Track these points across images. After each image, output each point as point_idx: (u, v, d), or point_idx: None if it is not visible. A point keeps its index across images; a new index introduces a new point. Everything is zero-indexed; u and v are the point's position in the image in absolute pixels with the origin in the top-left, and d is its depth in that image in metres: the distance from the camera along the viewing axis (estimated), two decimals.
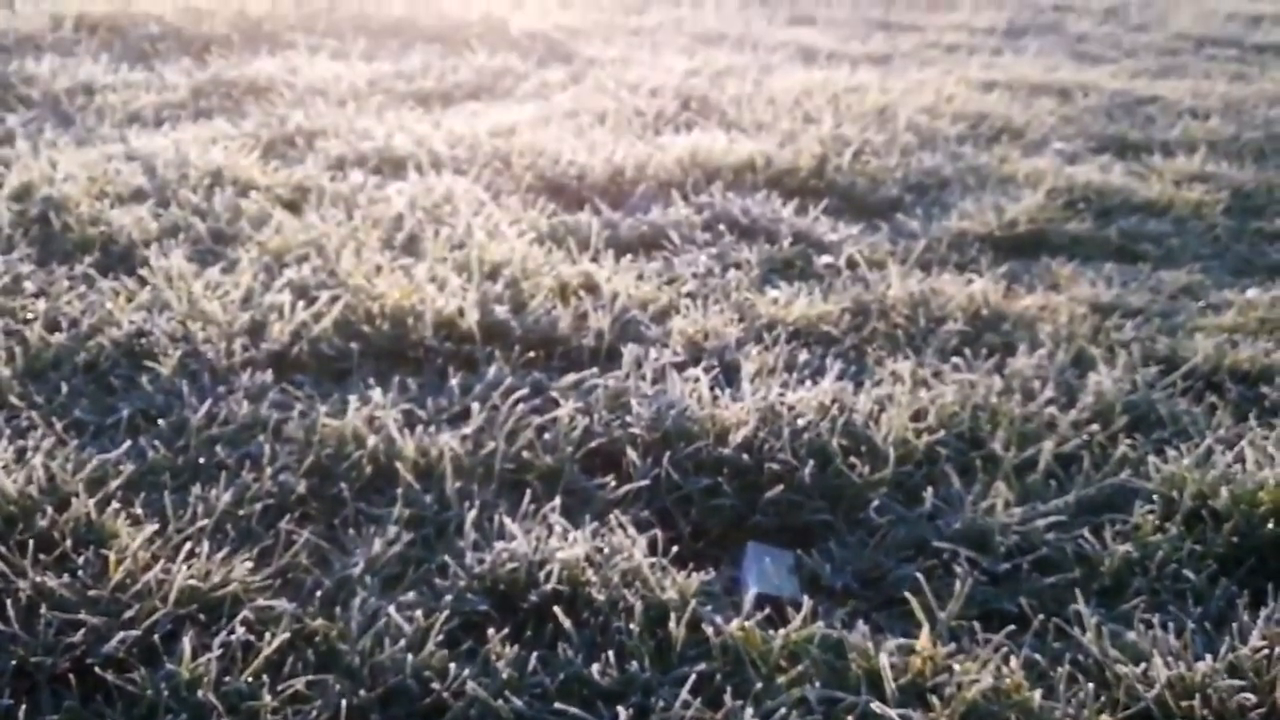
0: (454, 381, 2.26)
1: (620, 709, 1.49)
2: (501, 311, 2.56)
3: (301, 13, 6.07)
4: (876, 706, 1.52)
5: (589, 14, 6.81)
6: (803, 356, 2.49)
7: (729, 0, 7.64)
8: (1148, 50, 7.02)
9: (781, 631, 1.64)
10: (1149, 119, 5.13)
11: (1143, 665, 1.60)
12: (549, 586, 1.69)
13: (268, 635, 1.56)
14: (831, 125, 4.35)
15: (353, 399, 2.11)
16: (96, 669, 1.50)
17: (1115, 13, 8.38)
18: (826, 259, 3.13)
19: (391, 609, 1.62)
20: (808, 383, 2.33)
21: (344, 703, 1.47)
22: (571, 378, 2.30)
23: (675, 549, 1.83)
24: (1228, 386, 2.51)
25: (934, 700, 1.55)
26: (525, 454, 2.03)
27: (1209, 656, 1.61)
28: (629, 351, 2.38)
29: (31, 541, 1.70)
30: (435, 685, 1.51)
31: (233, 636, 1.55)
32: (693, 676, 1.54)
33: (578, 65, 5.47)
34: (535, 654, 1.57)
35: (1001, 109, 4.96)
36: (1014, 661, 1.60)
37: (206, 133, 3.94)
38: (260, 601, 1.63)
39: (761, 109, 4.65)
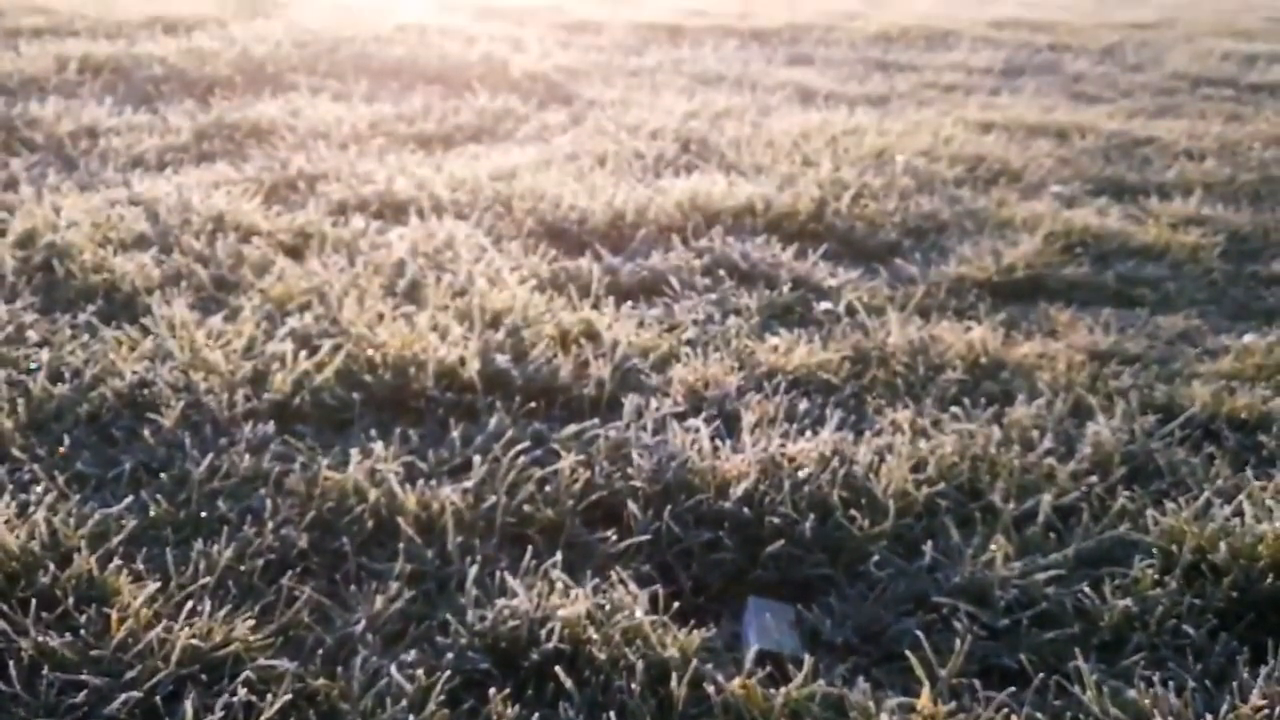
0: (455, 433, 2.27)
1: None
2: (503, 361, 2.57)
3: (303, 54, 6.12)
4: None
5: (589, 55, 6.86)
6: (802, 405, 2.50)
7: (728, 41, 7.71)
8: (1144, 90, 7.07)
9: (783, 690, 1.64)
10: (1145, 160, 5.17)
11: None
12: (550, 645, 1.69)
13: (270, 696, 1.56)
14: (830, 168, 4.38)
15: (354, 452, 2.12)
16: None
17: (1111, 52, 8.45)
18: (825, 305, 3.14)
19: (393, 668, 1.63)
20: (808, 433, 2.34)
21: None
22: (573, 428, 2.31)
23: (676, 604, 1.84)
24: (1225, 435, 2.52)
25: None
26: (527, 507, 2.04)
27: (1209, 716, 1.61)
28: (630, 401, 2.40)
29: (34, 599, 1.70)
30: None
31: (235, 698, 1.55)
32: None
33: (578, 107, 5.51)
34: (537, 714, 1.58)
35: (999, 151, 5.00)
36: None
37: (209, 176, 3.97)
38: (262, 661, 1.64)
39: (760, 151, 4.68)
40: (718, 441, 2.25)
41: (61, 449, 2.17)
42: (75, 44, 5.93)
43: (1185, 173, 4.92)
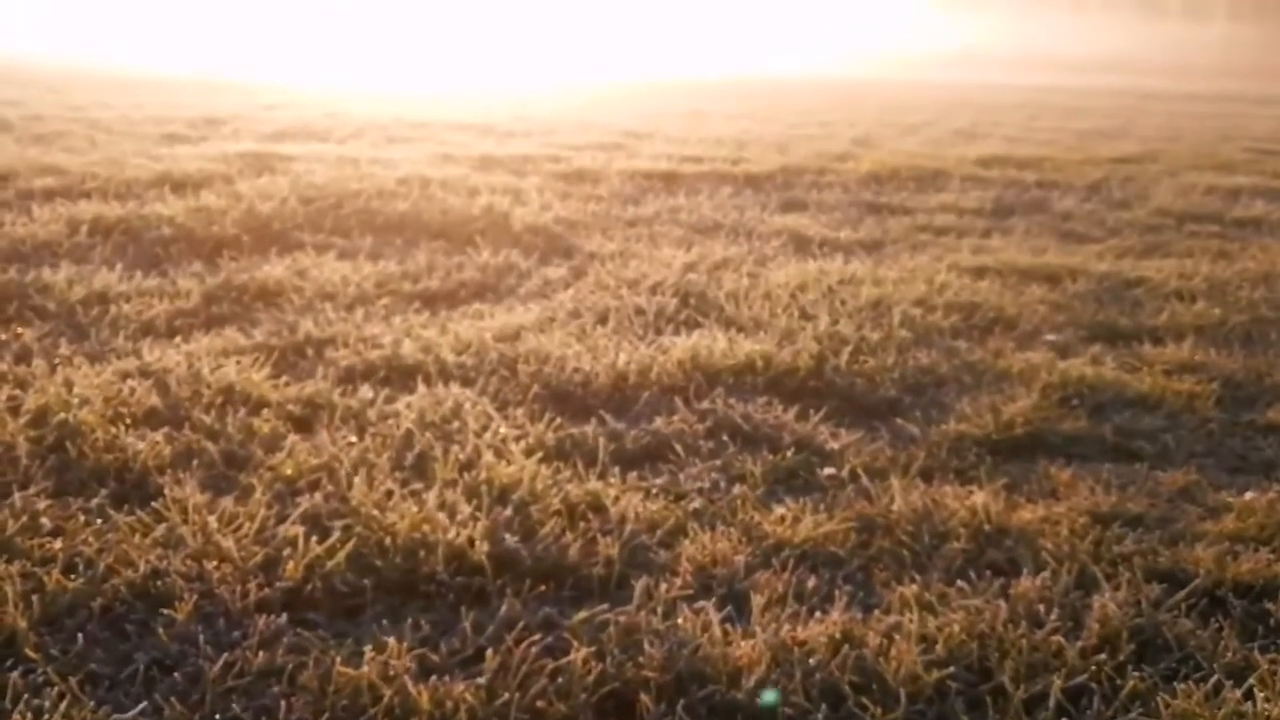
0: (467, 622, 2.28)
1: None
2: (511, 540, 2.60)
3: (309, 210, 6.27)
4: None
5: (588, 206, 7.03)
6: (811, 582, 2.52)
7: (722, 187, 7.90)
8: (1131, 228, 7.24)
9: None
10: (1137, 303, 5.27)
11: None
12: None
13: None
14: (828, 322, 4.47)
15: (367, 648, 2.13)
16: None
17: (1098, 189, 8.66)
18: (829, 470, 3.18)
19: None
20: (817, 612, 2.35)
21: None
22: (583, 613, 2.32)
23: None
24: (1232, 603, 2.53)
25: None
26: (540, 703, 2.04)
27: None
28: (639, 584, 2.41)
29: None
30: None
31: None
32: None
33: (578, 260, 5.63)
34: None
35: (993, 298, 5.10)
36: None
37: (219, 344, 4.04)
38: None
39: (758, 304, 4.77)
40: (728, 626, 2.26)
41: (75, 646, 2.18)
42: (87, 205, 6.07)
43: (1176, 315, 5.01)
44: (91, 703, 2.01)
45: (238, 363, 3.77)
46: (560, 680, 2.10)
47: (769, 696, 2.06)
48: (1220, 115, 18.20)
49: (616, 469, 3.07)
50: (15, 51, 25.02)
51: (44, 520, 2.65)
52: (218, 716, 1.99)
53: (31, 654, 2.14)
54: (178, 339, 4.12)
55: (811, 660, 2.16)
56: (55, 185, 6.67)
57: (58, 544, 2.53)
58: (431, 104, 14.32)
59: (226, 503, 2.74)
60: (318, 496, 2.79)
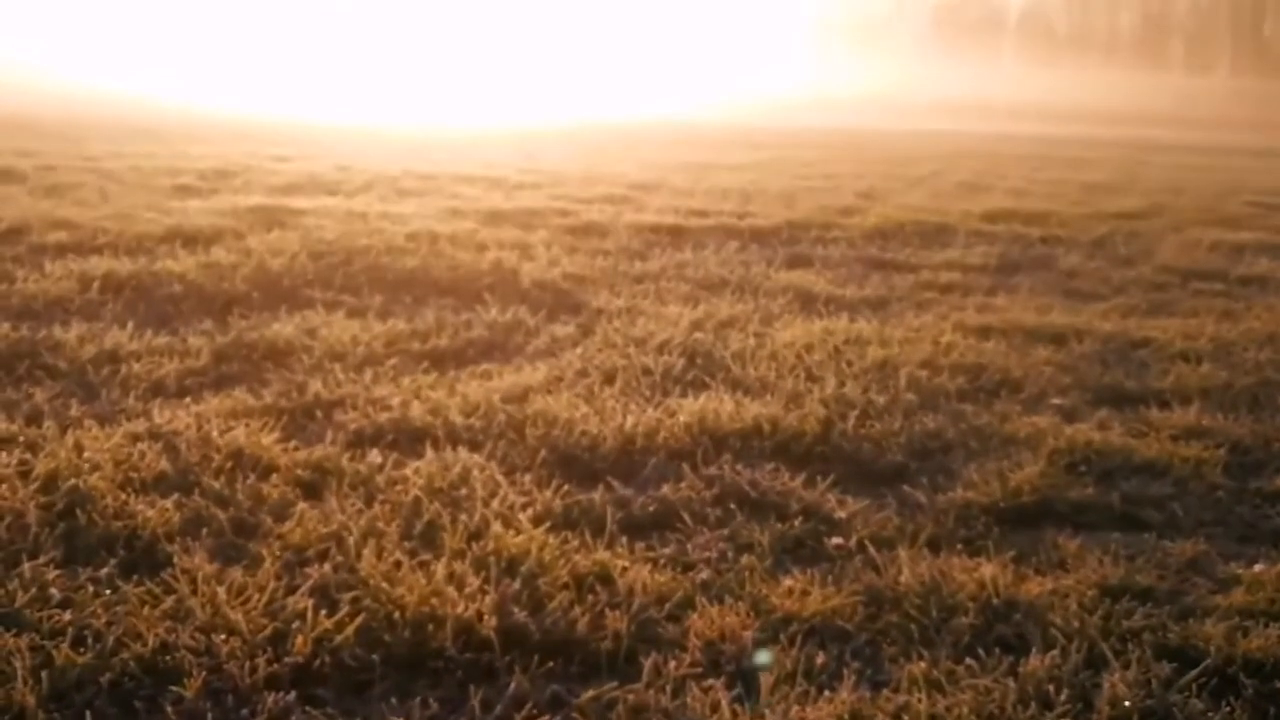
0: (475, 700, 2.28)
1: None
2: (520, 614, 2.60)
3: (319, 266, 6.31)
4: None
5: (595, 261, 7.07)
6: (819, 658, 2.52)
7: (729, 242, 7.94)
8: (1136, 286, 7.26)
9: None
10: (1143, 365, 5.28)
11: None
12: None
13: None
14: (835, 384, 4.48)
15: None
16: None
17: (1102, 245, 8.69)
18: (837, 539, 3.18)
19: None
20: (826, 691, 2.35)
21: None
22: (591, 691, 2.32)
23: None
24: (1243, 682, 2.52)
25: None
26: None
27: None
28: (648, 661, 2.41)
29: None
30: None
31: None
32: None
33: (586, 317, 5.65)
34: None
35: (999, 360, 5.11)
36: None
37: (229, 404, 4.06)
38: None
39: (765, 365, 4.79)
40: (737, 706, 2.26)
41: None
42: (98, 261, 6.11)
43: (1183, 378, 5.02)
44: None
45: (247, 425, 3.79)
46: None
47: None
48: (1223, 169, 18.28)
49: (624, 538, 3.08)
50: (39, 94, 25.29)
51: (53, 591, 2.65)
52: None
53: None
54: (188, 399, 4.14)
55: None
56: (67, 240, 6.72)
57: (67, 615, 2.53)
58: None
59: (236, 573, 2.75)
60: (327, 567, 2.79)
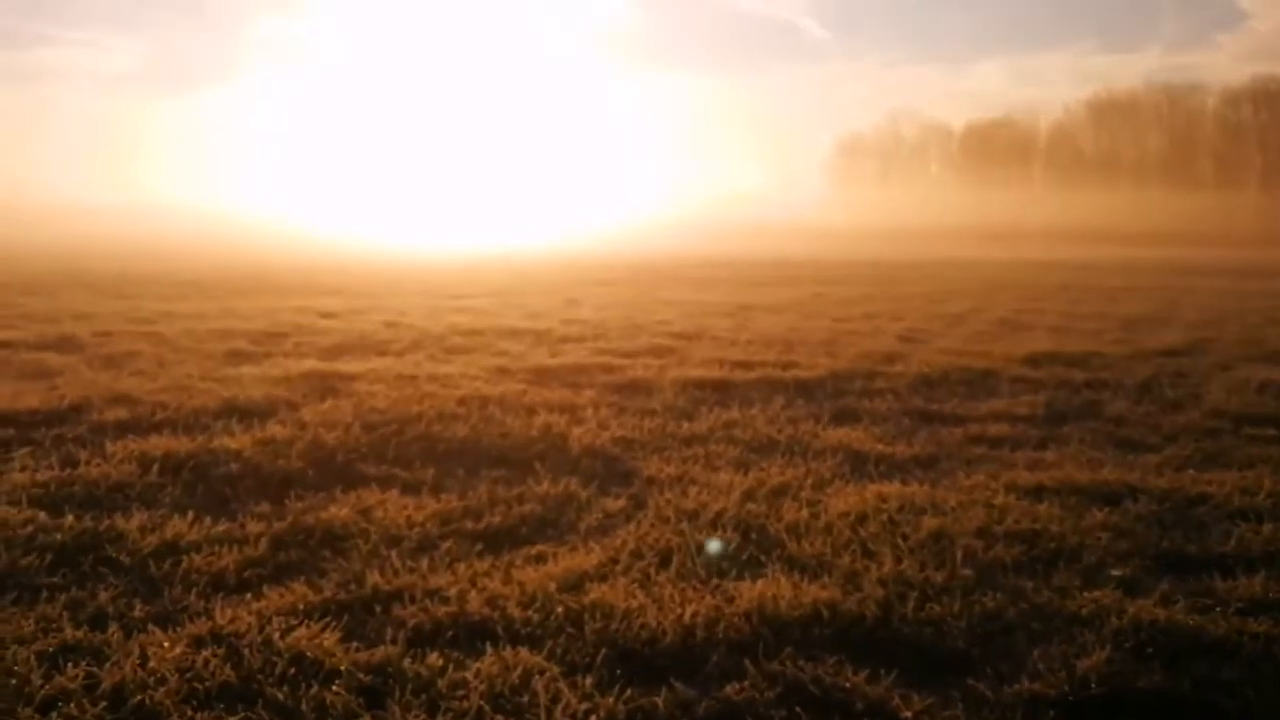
0: None
1: None
2: None
3: (371, 438, 6.41)
4: None
5: (642, 422, 7.12)
6: None
7: (775, 397, 7.99)
8: (1187, 433, 7.20)
9: None
10: (1201, 525, 5.21)
11: None
12: None
13: None
14: (891, 562, 4.46)
15: None
16: None
17: (1149, 388, 8.66)
18: None
19: None
20: None
21: None
22: None
23: None
24: None
25: None
26: None
27: None
28: None
29: None
30: None
31: None
32: None
33: (637, 487, 5.68)
34: None
35: (1054, 525, 5.07)
36: None
37: (289, 599, 4.09)
38: None
39: (820, 540, 4.78)
40: None
41: None
42: (157, 440, 6.23)
43: (1244, 540, 4.95)
44: None
45: (307, 625, 3.81)
46: None
47: None
48: (1262, 294, 18.26)
49: None
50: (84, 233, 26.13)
51: None
52: None
53: None
54: (248, 595, 4.18)
55: None
56: (127, 417, 6.87)
57: None
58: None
59: None
60: None
